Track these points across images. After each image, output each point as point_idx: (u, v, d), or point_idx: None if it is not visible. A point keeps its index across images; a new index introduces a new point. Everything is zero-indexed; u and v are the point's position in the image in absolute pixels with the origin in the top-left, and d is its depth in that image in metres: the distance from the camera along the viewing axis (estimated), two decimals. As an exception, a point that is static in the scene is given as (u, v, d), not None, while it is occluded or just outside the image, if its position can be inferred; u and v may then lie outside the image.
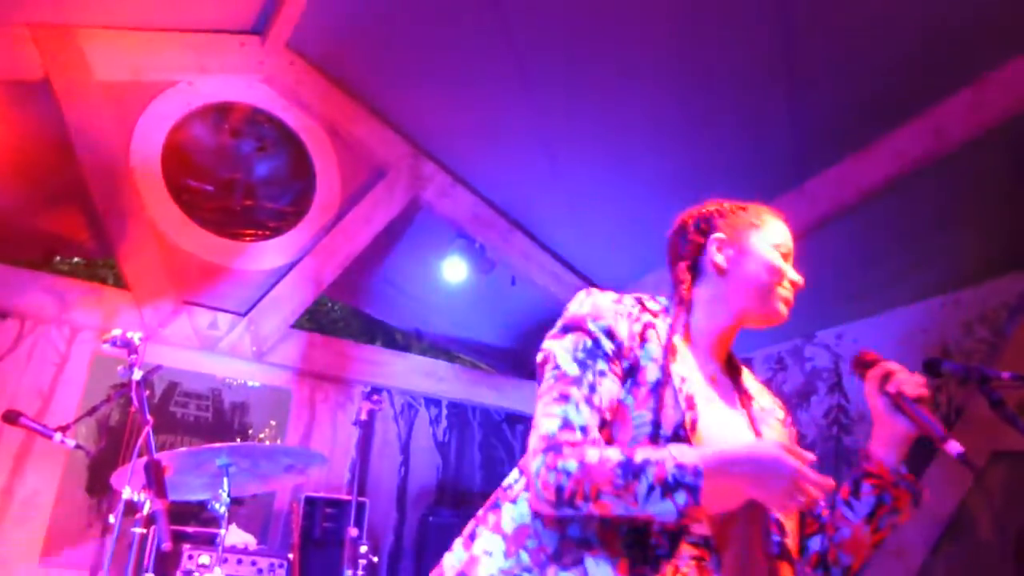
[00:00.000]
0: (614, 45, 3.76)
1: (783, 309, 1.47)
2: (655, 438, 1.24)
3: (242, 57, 4.62)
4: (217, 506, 2.50)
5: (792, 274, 1.49)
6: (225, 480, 2.50)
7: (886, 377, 1.41)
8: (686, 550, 1.22)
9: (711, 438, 1.29)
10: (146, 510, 2.02)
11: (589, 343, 1.31)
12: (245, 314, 4.61)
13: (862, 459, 1.45)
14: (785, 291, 1.48)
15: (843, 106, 3.57)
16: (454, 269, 4.96)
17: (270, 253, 4.70)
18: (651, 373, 1.30)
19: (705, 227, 1.52)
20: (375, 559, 3.24)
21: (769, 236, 1.50)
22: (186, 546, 3.57)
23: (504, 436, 5.55)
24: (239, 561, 3.67)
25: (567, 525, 1.25)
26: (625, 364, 1.31)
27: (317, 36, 4.61)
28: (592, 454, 1.20)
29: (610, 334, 1.32)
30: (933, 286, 4.23)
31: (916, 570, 3.89)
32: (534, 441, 1.25)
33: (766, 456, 1.17)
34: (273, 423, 4.81)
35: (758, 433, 1.41)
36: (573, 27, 3.78)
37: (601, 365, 1.29)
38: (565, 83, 4.09)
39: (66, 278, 4.54)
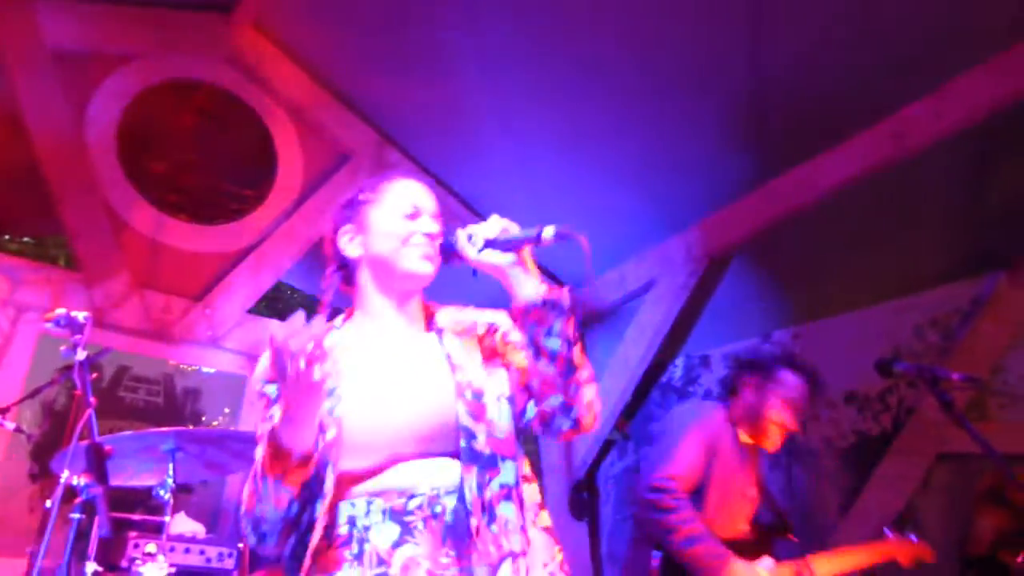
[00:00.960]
0: (577, 39, 3.75)
1: (420, 265, 1.56)
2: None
3: (206, 34, 4.50)
4: (162, 492, 2.44)
5: (423, 226, 1.59)
6: (171, 466, 2.44)
7: (467, 244, 1.51)
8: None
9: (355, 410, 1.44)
10: (85, 495, 1.96)
11: (260, 404, 1.50)
12: (200, 298, 4.51)
13: None
14: (417, 248, 1.57)
15: (806, 108, 3.61)
16: (415, 258, 4.90)
17: (228, 236, 4.60)
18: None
19: (335, 225, 1.64)
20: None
21: (388, 205, 1.60)
22: (132, 534, 3.48)
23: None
24: (187, 550, 3.58)
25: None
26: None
27: (285, 17, 4.52)
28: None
29: (269, 382, 1.49)
30: (888, 290, 4.30)
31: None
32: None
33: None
34: (227, 410, 4.72)
35: (453, 369, 1.51)
36: (539, 19, 3.76)
37: (270, 411, 1.47)
38: (528, 75, 4.08)
39: (13, 257, 4.39)
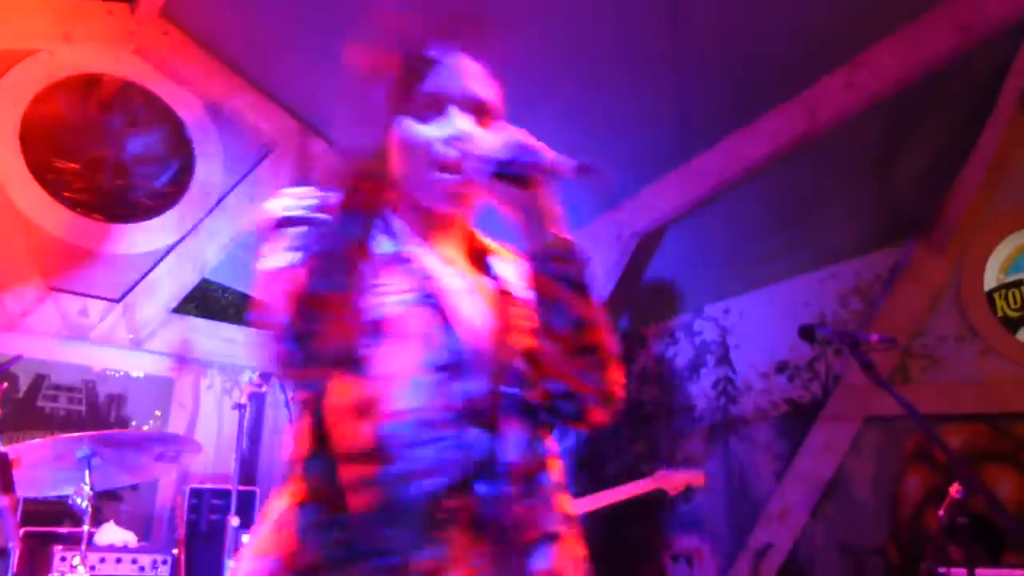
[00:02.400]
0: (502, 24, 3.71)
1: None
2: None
3: (111, 25, 4.33)
4: (79, 501, 2.34)
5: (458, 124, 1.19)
6: (87, 472, 2.34)
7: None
8: None
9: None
10: (-11, 509, 1.86)
11: None
12: (120, 300, 4.35)
13: None
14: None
15: (727, 84, 3.65)
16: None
17: (146, 235, 4.44)
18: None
19: None
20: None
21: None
22: (57, 547, 3.34)
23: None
24: (118, 560, 3.46)
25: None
26: None
27: (193, 5, 4.36)
28: None
29: None
30: (813, 260, 4.40)
31: (798, 530, 4.07)
32: None
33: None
34: (158, 413, 4.57)
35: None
36: (460, 4, 3.70)
37: None
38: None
39: (-86, 264, 4.16)
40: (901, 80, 3.32)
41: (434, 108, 1.19)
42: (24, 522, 3.01)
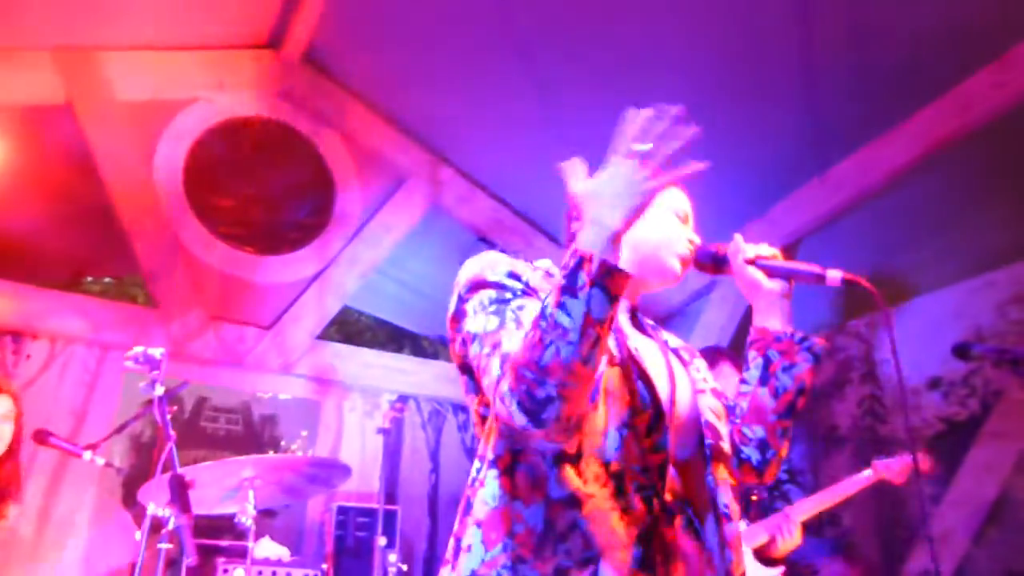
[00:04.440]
0: (620, 39, 3.73)
1: (677, 264, 1.43)
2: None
3: (258, 71, 4.66)
4: (244, 519, 2.51)
5: (690, 233, 1.47)
6: (251, 493, 2.51)
7: (740, 253, 1.42)
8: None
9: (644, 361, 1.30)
10: (171, 525, 2.03)
11: (494, 293, 1.26)
12: (270, 327, 4.64)
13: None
14: (681, 249, 1.44)
15: (861, 89, 3.51)
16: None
17: (292, 265, 4.72)
18: None
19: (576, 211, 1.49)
20: (404, 567, 3.23)
21: (663, 202, 1.46)
22: (220, 559, 3.60)
23: (534, 439, 5.51)
24: (274, 573, 3.68)
25: (546, 486, 1.18)
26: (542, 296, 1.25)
27: (332, 47, 4.63)
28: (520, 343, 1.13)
29: (513, 276, 1.29)
30: (964, 269, 4.14)
31: (960, 557, 3.81)
32: (490, 386, 1.17)
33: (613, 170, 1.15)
34: (304, 433, 4.83)
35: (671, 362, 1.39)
36: (579, 23, 3.75)
37: (517, 302, 1.25)
38: (575, 81, 4.07)
39: (95, 298, 4.60)
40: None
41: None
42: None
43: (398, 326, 7.02)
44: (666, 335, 1.50)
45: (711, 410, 1.36)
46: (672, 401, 1.30)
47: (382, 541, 3.02)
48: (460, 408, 5.29)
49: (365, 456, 4.78)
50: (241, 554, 3.18)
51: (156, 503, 2.11)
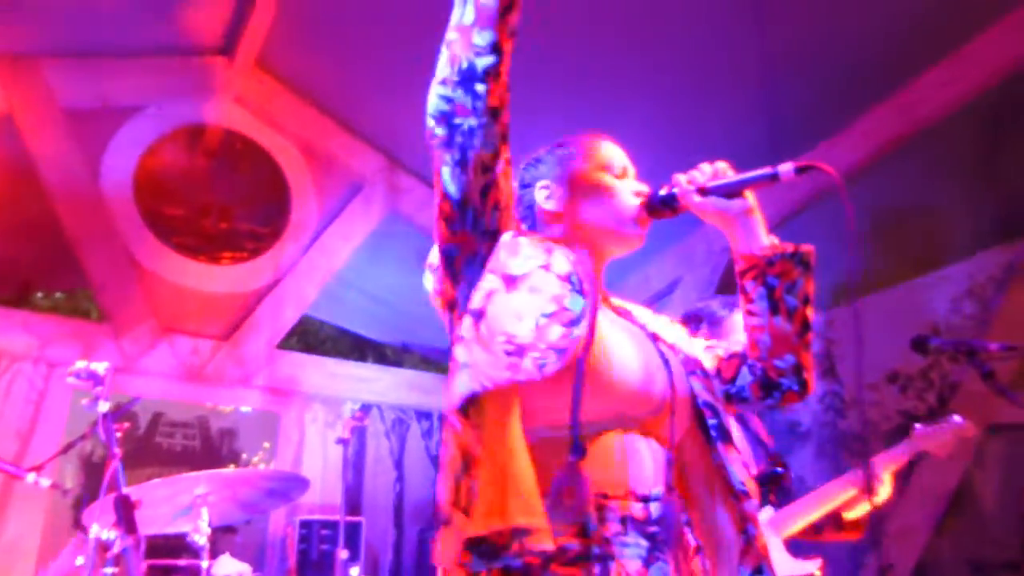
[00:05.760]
0: (576, 46, 3.71)
1: (635, 230, 1.40)
2: None
3: (211, 78, 4.56)
4: (197, 538, 2.43)
5: (635, 186, 1.43)
6: (204, 510, 2.43)
7: (689, 183, 1.37)
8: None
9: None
10: (116, 548, 1.95)
11: None
12: (226, 338, 4.54)
13: (734, 268, 1.42)
14: (630, 209, 1.40)
15: (813, 91, 3.54)
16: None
17: (248, 275, 4.63)
18: None
19: (525, 180, 1.48)
20: (367, 580, 3.17)
21: (598, 162, 1.45)
22: (176, 580, 3.49)
23: (499, 445, 5.48)
24: (234, 591, 3.58)
25: None
26: None
27: (286, 53, 4.55)
28: None
29: None
30: (919, 264, 4.20)
31: (921, 548, 3.85)
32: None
33: None
34: (267, 445, 4.73)
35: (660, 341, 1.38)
36: (534, 30, 3.73)
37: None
38: (531, 85, 4.04)
39: (41, 314, 4.46)
40: (1005, 70, 3.15)
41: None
42: (145, 556, 3.16)
43: (361, 335, 6.93)
44: (641, 312, 1.46)
45: (705, 389, 1.35)
46: (672, 388, 1.29)
47: (344, 554, 2.95)
48: (423, 415, 5.23)
49: (328, 467, 4.70)
50: (196, 574, 3.09)
51: (101, 525, 2.02)
